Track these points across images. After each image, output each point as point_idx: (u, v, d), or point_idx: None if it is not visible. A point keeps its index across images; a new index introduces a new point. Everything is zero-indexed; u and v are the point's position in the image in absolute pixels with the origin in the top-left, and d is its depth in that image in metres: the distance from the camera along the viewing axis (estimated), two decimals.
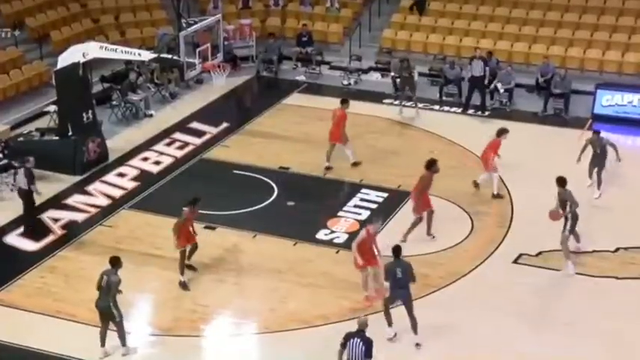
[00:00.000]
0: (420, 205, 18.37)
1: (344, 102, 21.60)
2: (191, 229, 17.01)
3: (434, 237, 18.51)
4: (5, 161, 20.78)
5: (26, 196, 18.74)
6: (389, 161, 22.06)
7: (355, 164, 21.49)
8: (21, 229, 18.90)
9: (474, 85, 25.21)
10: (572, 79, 25.55)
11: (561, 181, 17.41)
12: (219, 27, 25.73)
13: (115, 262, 14.79)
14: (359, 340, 13.18)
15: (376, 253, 16.28)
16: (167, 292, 16.71)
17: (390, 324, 15.26)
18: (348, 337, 13.27)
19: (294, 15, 30.87)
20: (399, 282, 14.98)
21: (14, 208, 19.74)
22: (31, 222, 18.90)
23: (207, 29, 25.60)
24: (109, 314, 14.63)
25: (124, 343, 14.96)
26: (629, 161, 22.34)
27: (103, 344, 14.89)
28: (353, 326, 15.44)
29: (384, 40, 29.13)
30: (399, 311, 15.31)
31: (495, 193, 20.22)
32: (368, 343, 13.19)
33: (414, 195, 18.56)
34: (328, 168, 21.45)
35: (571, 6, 28.90)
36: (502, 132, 20.22)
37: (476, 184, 20.57)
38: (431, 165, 18.37)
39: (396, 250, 15.19)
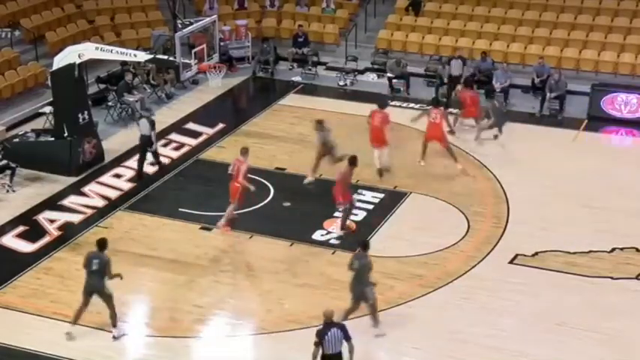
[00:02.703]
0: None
1: None
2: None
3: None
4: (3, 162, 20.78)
5: (147, 142, 21.04)
6: None
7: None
8: (17, 230, 18.92)
9: (453, 85, 25.29)
10: (568, 80, 25.59)
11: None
12: (214, 28, 25.68)
13: (103, 244, 15.10)
14: (335, 330, 13.26)
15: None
16: (163, 294, 16.71)
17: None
18: (322, 333, 13.28)
19: (290, 16, 30.86)
20: (355, 274, 15.03)
21: (10, 209, 19.77)
22: (141, 169, 21.23)
23: (203, 30, 25.56)
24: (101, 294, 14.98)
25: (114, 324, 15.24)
26: (625, 161, 22.43)
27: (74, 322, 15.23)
28: (349, 326, 15.54)
29: (379, 40, 29.13)
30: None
31: (381, 167, 21.00)
32: (343, 328, 13.32)
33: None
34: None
35: (566, 7, 28.92)
36: (385, 105, 22.00)
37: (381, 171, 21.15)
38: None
39: (364, 244, 15.30)
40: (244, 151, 18.73)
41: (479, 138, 22.83)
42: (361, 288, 14.99)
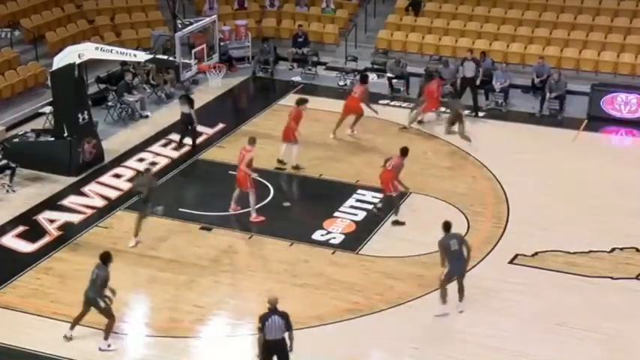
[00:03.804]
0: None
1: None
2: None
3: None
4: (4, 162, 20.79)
5: (187, 120, 22.75)
6: None
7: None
8: (17, 230, 18.92)
9: (465, 86, 25.32)
10: (568, 80, 25.58)
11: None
12: (214, 28, 25.71)
13: (105, 258, 14.91)
14: (276, 317, 13.47)
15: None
16: (163, 294, 16.71)
17: (444, 301, 15.77)
18: (264, 318, 13.50)
19: (289, 16, 30.87)
20: (455, 254, 15.59)
21: (10, 209, 19.77)
22: (192, 141, 23.02)
23: (202, 30, 25.58)
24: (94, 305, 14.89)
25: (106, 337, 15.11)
26: (625, 161, 22.43)
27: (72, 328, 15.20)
28: (349, 326, 15.55)
29: (379, 40, 29.13)
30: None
31: (294, 164, 21.30)
32: (285, 317, 13.54)
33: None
34: None
35: (566, 7, 28.92)
36: (302, 102, 21.71)
37: (281, 162, 21.67)
38: None
39: (447, 225, 15.82)
40: (252, 141, 19.23)
41: (464, 134, 23.17)
42: (465, 265, 15.67)
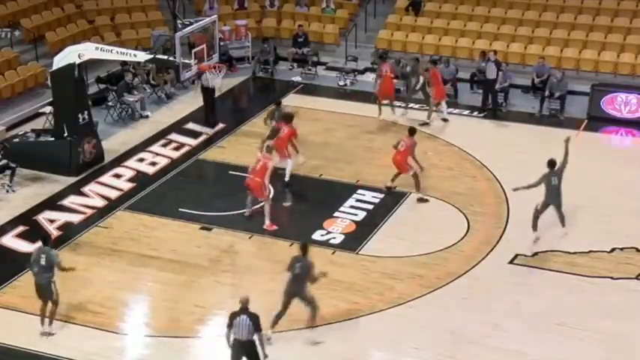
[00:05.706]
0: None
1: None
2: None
3: None
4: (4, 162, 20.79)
5: (207, 93, 23.94)
6: (385, 162, 22.00)
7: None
8: (17, 230, 18.90)
9: (488, 88, 25.27)
10: (568, 80, 25.57)
11: None
12: (214, 28, 25.72)
13: (304, 248, 14.96)
14: (245, 317, 13.46)
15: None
16: (163, 293, 16.71)
17: (536, 228, 17.91)
18: (234, 316, 13.53)
19: (289, 16, 30.88)
20: (554, 189, 17.78)
21: (10, 209, 19.76)
22: (212, 117, 24.24)
23: (202, 30, 25.59)
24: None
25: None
26: (625, 161, 22.43)
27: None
28: (349, 326, 15.56)
29: (379, 40, 29.13)
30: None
31: (287, 180, 20.80)
32: (254, 318, 13.50)
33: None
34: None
35: (566, 7, 28.93)
36: (292, 118, 21.15)
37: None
38: None
39: (552, 162, 17.85)
40: (270, 149, 19.37)
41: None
42: (560, 199, 17.92)
